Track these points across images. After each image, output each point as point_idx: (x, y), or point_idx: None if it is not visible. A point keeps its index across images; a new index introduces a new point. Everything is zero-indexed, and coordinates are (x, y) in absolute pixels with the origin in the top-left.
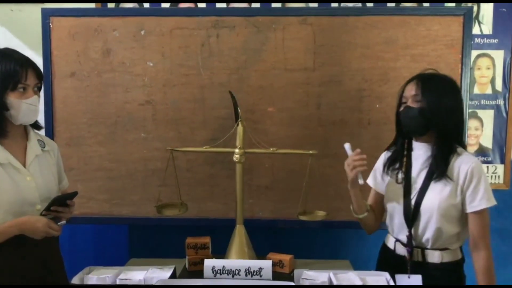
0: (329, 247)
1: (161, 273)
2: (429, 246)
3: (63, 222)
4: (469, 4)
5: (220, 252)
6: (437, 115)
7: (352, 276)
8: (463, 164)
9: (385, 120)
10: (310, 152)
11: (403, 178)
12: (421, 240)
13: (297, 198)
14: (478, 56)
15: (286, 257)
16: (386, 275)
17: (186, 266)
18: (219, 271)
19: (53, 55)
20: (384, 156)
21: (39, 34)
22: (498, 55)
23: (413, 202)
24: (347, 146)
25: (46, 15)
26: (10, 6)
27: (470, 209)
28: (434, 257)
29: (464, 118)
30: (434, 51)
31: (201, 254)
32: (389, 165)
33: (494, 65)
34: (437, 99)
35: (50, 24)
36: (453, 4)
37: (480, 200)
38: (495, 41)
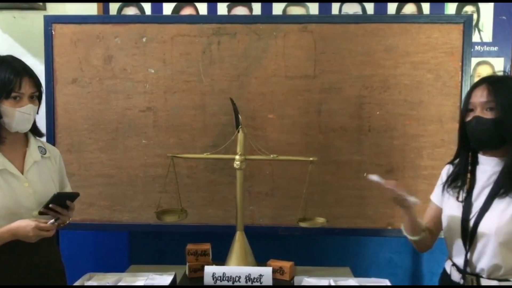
0: (329, 254)
1: (161, 280)
2: (484, 276)
3: (52, 220)
4: (469, 12)
5: (221, 258)
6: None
7: (353, 283)
8: None
9: (385, 127)
10: (311, 159)
11: (464, 197)
12: (476, 267)
13: (298, 204)
14: (478, 63)
15: (286, 264)
16: (387, 282)
17: (187, 272)
18: (219, 278)
19: (55, 62)
20: (446, 170)
21: (41, 41)
22: (498, 63)
23: (471, 223)
24: (375, 177)
25: (49, 22)
26: (13, 13)
27: None
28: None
29: None
30: (434, 59)
31: (202, 261)
32: (451, 181)
33: (494, 73)
34: None
35: (53, 31)
36: (454, 7)
37: None
38: (495, 48)
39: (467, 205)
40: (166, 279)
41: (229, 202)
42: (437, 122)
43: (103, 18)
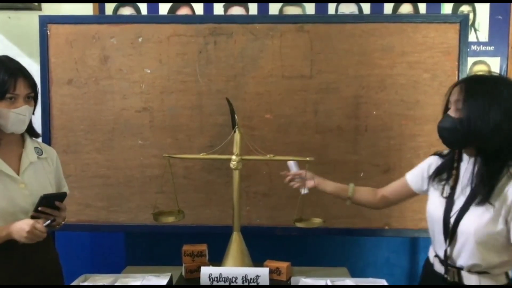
0: (326, 254)
1: (157, 281)
2: (464, 270)
3: (48, 222)
4: (465, 11)
5: (217, 259)
6: (477, 128)
7: (349, 283)
8: (511, 188)
9: (382, 127)
10: (307, 159)
11: (448, 193)
12: (456, 261)
13: (294, 205)
14: (475, 63)
15: (283, 265)
16: (384, 282)
17: (183, 273)
18: (216, 279)
19: (50, 62)
20: (432, 161)
21: (36, 41)
22: (494, 62)
23: (452, 220)
24: (292, 163)
25: (44, 23)
26: (8, 14)
27: None
28: (471, 280)
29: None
30: (430, 58)
31: (198, 262)
32: (436, 173)
33: (490, 72)
34: (480, 108)
35: (48, 31)
36: (450, 7)
37: None
38: (491, 48)
39: (449, 202)
40: (162, 280)
41: (226, 203)
42: (433, 121)
43: (99, 18)
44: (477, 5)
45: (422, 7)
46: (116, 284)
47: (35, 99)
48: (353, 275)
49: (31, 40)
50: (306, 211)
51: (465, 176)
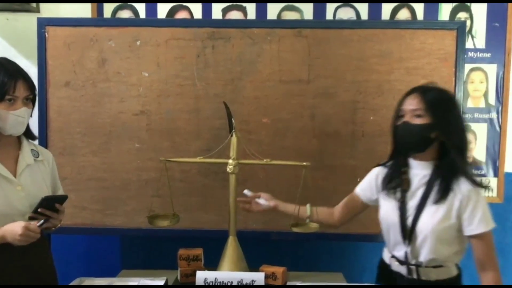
0: (322, 260)
1: (152, 285)
2: (423, 265)
3: (41, 222)
4: (462, 18)
5: (213, 264)
6: (443, 133)
7: None
8: (462, 184)
9: (379, 132)
10: (304, 163)
11: (400, 197)
12: (417, 259)
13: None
14: (472, 70)
15: (279, 270)
16: None
17: (178, 278)
18: (211, 283)
19: (48, 65)
20: (378, 171)
21: (34, 43)
22: (491, 69)
23: (409, 221)
24: (246, 191)
25: (42, 25)
26: (6, 15)
27: (468, 232)
28: (429, 275)
29: (465, 135)
30: (428, 65)
31: (194, 266)
32: (386, 183)
33: (487, 79)
34: (442, 115)
35: (46, 33)
36: (448, 13)
37: (478, 224)
38: (488, 55)
39: (402, 205)
40: (158, 284)
41: (222, 207)
42: None
43: (97, 21)
44: (474, 12)
45: (420, 13)
46: None
47: (33, 102)
48: (349, 280)
49: (29, 42)
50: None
51: (415, 180)
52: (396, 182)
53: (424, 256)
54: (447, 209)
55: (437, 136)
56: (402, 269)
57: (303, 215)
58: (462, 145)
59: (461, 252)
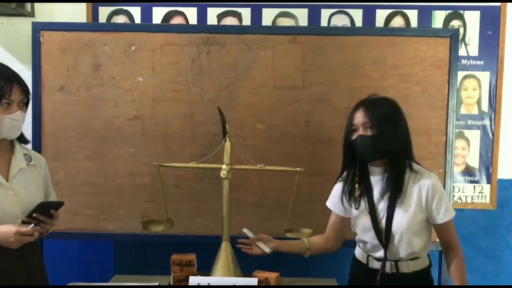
0: (315, 265)
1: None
2: (402, 260)
3: (32, 225)
4: (456, 26)
5: (206, 269)
6: (390, 140)
7: None
8: (423, 179)
9: None
10: (298, 169)
11: (367, 204)
12: (396, 256)
13: (285, 215)
14: (465, 77)
15: (272, 275)
16: None
17: (171, 283)
18: None
19: (42, 69)
20: (340, 186)
21: (29, 47)
22: (484, 77)
23: (382, 225)
24: (246, 230)
25: (37, 29)
26: (0, 20)
27: (437, 221)
28: (406, 267)
29: (410, 135)
30: (422, 72)
31: (186, 271)
32: (349, 195)
33: (480, 86)
34: (387, 124)
35: (41, 38)
36: (441, 21)
37: (444, 213)
38: (481, 62)
39: (372, 210)
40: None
41: (217, 212)
42: (424, 134)
43: (92, 26)
44: (468, 20)
45: (414, 20)
46: None
47: (26, 105)
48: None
49: (23, 46)
50: (296, 221)
51: (378, 185)
52: (359, 190)
53: (403, 252)
54: (416, 203)
55: (385, 144)
56: (379, 265)
57: (303, 248)
58: (404, 147)
59: (429, 241)
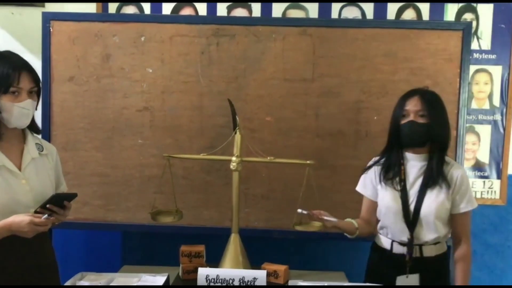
0: (324, 258)
1: (154, 281)
2: (426, 244)
3: (46, 215)
4: (468, 19)
5: (215, 260)
6: (438, 131)
7: None
8: (453, 170)
9: (382, 132)
10: (308, 162)
11: (400, 187)
12: (421, 240)
13: (293, 208)
14: (477, 71)
15: (281, 268)
16: None
17: (180, 274)
18: (213, 280)
19: (52, 59)
20: (376, 169)
21: (39, 37)
22: (496, 71)
23: (412, 208)
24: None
25: (47, 19)
26: (10, 9)
27: (459, 210)
28: (429, 251)
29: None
30: (433, 65)
31: (195, 263)
32: (384, 173)
33: (492, 81)
34: (439, 115)
35: (51, 28)
36: (453, 14)
37: (467, 203)
38: (493, 56)
39: (404, 193)
40: (159, 280)
41: (225, 204)
42: None
43: (102, 16)
44: (480, 13)
45: (426, 13)
46: (112, 284)
47: (38, 94)
48: (351, 279)
49: (33, 36)
50: (304, 215)
51: (413, 171)
52: (394, 172)
53: (429, 236)
54: (446, 192)
55: (435, 134)
56: (404, 250)
57: (353, 228)
58: (449, 139)
59: (449, 230)
